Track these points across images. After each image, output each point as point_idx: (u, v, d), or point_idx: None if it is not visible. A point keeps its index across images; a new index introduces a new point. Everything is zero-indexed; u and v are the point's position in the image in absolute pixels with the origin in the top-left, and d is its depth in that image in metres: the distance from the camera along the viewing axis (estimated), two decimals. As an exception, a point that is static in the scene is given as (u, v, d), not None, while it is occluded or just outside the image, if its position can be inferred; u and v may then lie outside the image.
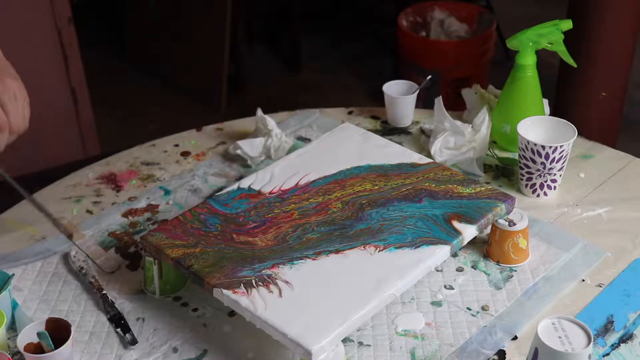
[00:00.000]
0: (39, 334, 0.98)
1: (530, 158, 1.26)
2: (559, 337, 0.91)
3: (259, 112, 1.43)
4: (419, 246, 1.08)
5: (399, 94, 1.49)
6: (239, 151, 1.39)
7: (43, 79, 2.38)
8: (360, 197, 1.18)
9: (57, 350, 0.98)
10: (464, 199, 1.16)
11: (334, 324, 0.97)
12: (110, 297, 1.13)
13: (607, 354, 1.03)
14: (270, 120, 1.41)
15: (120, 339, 1.07)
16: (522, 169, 1.29)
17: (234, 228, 1.13)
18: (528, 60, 1.35)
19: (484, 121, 1.38)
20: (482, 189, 1.18)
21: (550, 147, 1.24)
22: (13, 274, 1.13)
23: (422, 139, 1.45)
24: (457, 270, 1.16)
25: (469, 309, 1.10)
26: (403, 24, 3.10)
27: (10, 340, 1.07)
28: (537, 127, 1.30)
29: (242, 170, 1.39)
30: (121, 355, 1.05)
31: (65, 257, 1.21)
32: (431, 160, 1.26)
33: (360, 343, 1.05)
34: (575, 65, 1.38)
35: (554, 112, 1.42)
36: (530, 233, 1.18)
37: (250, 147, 1.39)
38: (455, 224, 1.11)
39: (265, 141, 1.40)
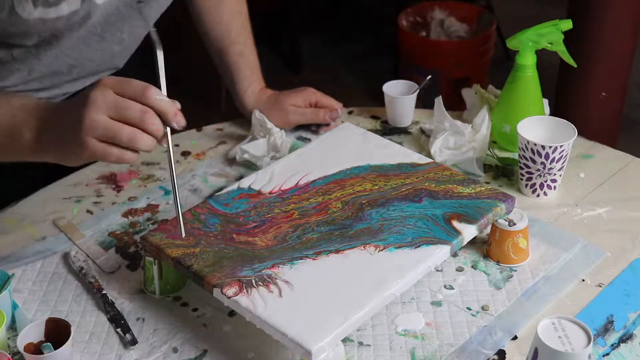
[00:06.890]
0: (42, 347, 0.99)
1: (530, 158, 1.26)
2: (559, 337, 0.91)
3: (257, 112, 1.43)
4: (419, 246, 1.08)
5: (399, 94, 1.49)
6: (246, 155, 1.39)
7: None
8: (360, 197, 1.17)
9: (57, 351, 0.98)
10: (464, 199, 1.16)
11: (334, 324, 0.97)
12: (110, 297, 1.13)
13: (607, 354, 1.03)
14: (268, 120, 1.41)
15: (120, 339, 1.07)
16: (522, 169, 1.29)
17: (234, 228, 1.13)
18: (528, 60, 1.35)
19: (484, 121, 1.38)
20: (482, 189, 1.18)
21: (550, 147, 1.24)
22: (13, 274, 1.13)
23: (422, 139, 1.45)
24: (457, 270, 1.16)
25: (469, 308, 1.10)
26: (403, 24, 3.10)
27: (10, 340, 1.07)
28: (537, 127, 1.30)
29: (242, 170, 1.39)
30: (121, 355, 1.05)
31: (65, 257, 1.21)
32: (431, 160, 1.26)
33: (360, 343, 1.05)
34: (575, 65, 1.38)
35: (554, 112, 1.41)
36: (530, 233, 1.18)
37: (255, 149, 1.39)
38: (455, 223, 1.11)
39: (268, 140, 1.40)
